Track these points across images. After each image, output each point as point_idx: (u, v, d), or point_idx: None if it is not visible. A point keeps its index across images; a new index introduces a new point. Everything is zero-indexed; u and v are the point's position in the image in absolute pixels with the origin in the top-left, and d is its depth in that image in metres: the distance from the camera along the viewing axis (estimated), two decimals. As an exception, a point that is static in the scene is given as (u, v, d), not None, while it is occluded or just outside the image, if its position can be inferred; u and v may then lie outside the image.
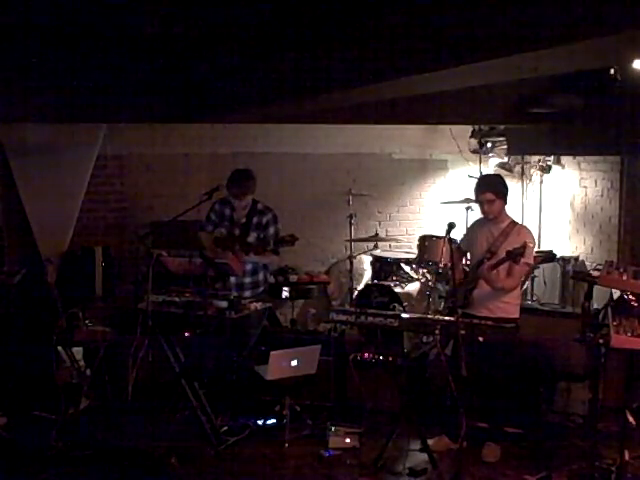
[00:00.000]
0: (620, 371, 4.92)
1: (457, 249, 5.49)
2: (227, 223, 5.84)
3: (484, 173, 5.27)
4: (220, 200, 5.81)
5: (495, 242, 5.04)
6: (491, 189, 5.06)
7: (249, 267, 5.71)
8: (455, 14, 2.75)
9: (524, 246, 4.83)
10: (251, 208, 5.78)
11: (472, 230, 5.38)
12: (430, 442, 5.03)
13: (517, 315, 5.15)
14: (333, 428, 5.28)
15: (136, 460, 4.88)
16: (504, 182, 5.22)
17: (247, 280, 5.72)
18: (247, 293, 5.64)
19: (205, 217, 5.93)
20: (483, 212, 5.07)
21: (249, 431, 5.44)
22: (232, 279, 5.64)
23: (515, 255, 4.83)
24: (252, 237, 5.69)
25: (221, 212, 5.86)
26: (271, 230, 5.65)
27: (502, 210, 5.13)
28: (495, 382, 5.03)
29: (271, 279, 7.41)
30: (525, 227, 5.46)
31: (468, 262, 5.51)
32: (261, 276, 5.83)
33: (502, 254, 4.96)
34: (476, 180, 5.22)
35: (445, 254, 4.91)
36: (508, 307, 5.07)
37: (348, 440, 5.25)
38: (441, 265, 5.27)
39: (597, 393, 4.71)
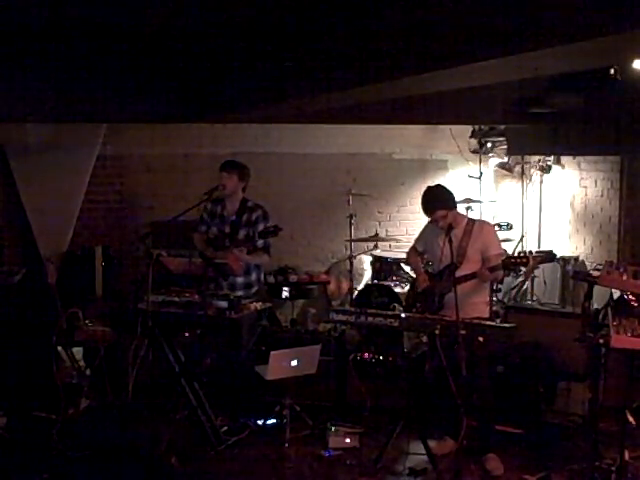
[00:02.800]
0: (620, 371, 4.92)
1: (414, 251, 5.49)
2: (218, 221, 5.84)
3: (428, 188, 5.18)
4: (212, 200, 5.80)
5: (461, 244, 5.04)
6: (439, 207, 5.02)
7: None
8: (455, 14, 2.75)
9: (527, 259, 5.05)
10: (241, 205, 5.78)
11: (429, 232, 5.32)
12: (434, 445, 5.03)
13: (488, 314, 5.18)
14: (333, 428, 5.28)
15: (136, 460, 4.88)
16: (446, 192, 5.15)
17: (239, 280, 5.71)
18: (239, 293, 5.63)
19: (199, 218, 5.91)
20: (441, 227, 5.04)
21: (249, 431, 5.44)
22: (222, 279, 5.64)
23: (515, 264, 5.07)
24: (241, 234, 5.69)
25: (212, 211, 5.85)
26: (260, 227, 5.64)
27: (456, 215, 5.12)
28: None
29: (271, 279, 7.43)
30: (485, 222, 5.62)
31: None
32: (254, 276, 5.82)
33: (471, 254, 5.02)
34: (421, 200, 5.17)
35: (445, 254, 4.90)
36: (480, 307, 5.08)
37: (348, 440, 5.25)
38: (440, 266, 5.26)
39: (597, 393, 4.71)
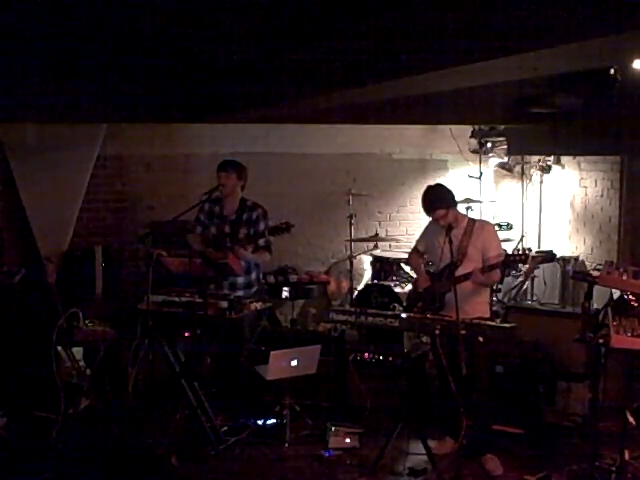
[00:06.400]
0: (620, 371, 4.92)
1: (415, 252, 5.49)
2: (217, 220, 5.83)
3: (428, 188, 5.16)
4: (210, 200, 5.79)
5: (461, 243, 5.03)
6: (439, 205, 5.02)
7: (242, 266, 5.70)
8: (455, 14, 2.75)
9: (527, 256, 5.09)
10: (240, 205, 5.78)
11: (430, 232, 5.31)
12: (434, 445, 5.03)
13: (489, 314, 5.18)
14: (333, 428, 5.28)
15: (136, 460, 4.88)
16: (446, 190, 5.15)
17: (240, 280, 5.71)
18: (240, 293, 5.63)
19: (194, 218, 5.90)
20: (441, 225, 5.04)
21: (249, 431, 5.44)
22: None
23: (514, 262, 5.09)
24: (242, 233, 5.69)
25: (210, 210, 5.84)
26: (261, 226, 5.65)
27: (456, 214, 5.12)
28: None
29: (271, 279, 7.43)
30: (486, 221, 5.63)
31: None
32: (254, 276, 5.82)
33: (472, 253, 5.03)
34: (421, 200, 5.17)
35: (445, 254, 4.90)
36: (481, 306, 5.07)
37: (348, 440, 5.26)
38: (441, 266, 5.27)
39: (597, 393, 4.71)
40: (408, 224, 8.49)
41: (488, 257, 5.02)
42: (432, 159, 8.66)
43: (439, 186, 5.25)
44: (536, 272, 7.43)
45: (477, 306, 4.98)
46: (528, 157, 8.48)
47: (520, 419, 5.39)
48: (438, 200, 5.05)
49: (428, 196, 5.11)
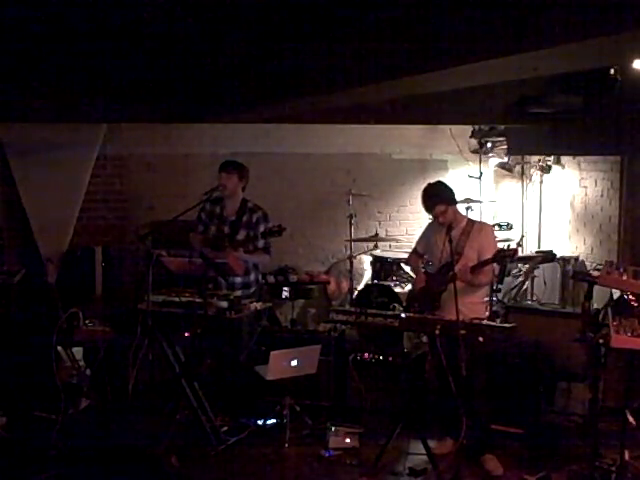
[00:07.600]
0: (620, 371, 4.92)
1: (415, 253, 5.50)
2: (217, 221, 5.83)
3: (427, 185, 5.17)
4: (211, 200, 5.79)
5: (459, 242, 5.03)
6: (439, 201, 5.03)
7: None
8: (455, 14, 2.75)
9: (515, 251, 5.09)
10: (241, 206, 5.78)
11: (429, 233, 5.33)
12: (434, 445, 5.03)
13: (485, 314, 5.17)
14: (333, 428, 5.28)
15: (136, 460, 4.88)
16: (446, 187, 5.17)
17: (238, 280, 5.71)
18: (238, 293, 5.62)
19: (196, 217, 5.90)
20: (440, 223, 5.05)
21: (249, 431, 5.44)
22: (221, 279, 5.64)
23: (503, 257, 5.05)
24: (241, 235, 5.69)
25: (211, 210, 5.84)
26: (261, 228, 5.65)
27: (456, 213, 5.13)
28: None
29: (271, 279, 7.43)
30: (485, 224, 5.64)
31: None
32: (252, 276, 5.81)
33: (469, 253, 5.02)
34: (421, 197, 5.18)
35: (444, 254, 4.90)
36: (476, 306, 5.06)
37: (348, 440, 5.26)
38: (440, 265, 5.27)
39: (597, 393, 4.70)
40: (408, 224, 8.49)
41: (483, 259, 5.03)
42: (432, 159, 8.66)
43: (439, 183, 5.27)
44: (536, 272, 7.43)
45: (472, 306, 4.97)
46: (528, 157, 8.47)
47: (520, 419, 5.39)
48: (438, 196, 5.07)
49: (427, 193, 5.13)
